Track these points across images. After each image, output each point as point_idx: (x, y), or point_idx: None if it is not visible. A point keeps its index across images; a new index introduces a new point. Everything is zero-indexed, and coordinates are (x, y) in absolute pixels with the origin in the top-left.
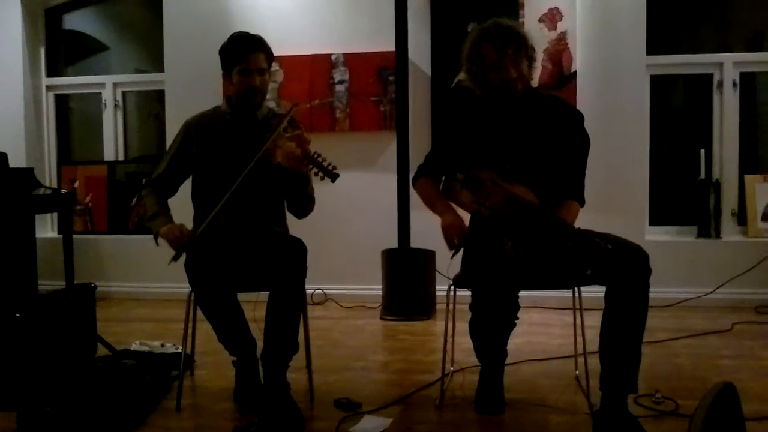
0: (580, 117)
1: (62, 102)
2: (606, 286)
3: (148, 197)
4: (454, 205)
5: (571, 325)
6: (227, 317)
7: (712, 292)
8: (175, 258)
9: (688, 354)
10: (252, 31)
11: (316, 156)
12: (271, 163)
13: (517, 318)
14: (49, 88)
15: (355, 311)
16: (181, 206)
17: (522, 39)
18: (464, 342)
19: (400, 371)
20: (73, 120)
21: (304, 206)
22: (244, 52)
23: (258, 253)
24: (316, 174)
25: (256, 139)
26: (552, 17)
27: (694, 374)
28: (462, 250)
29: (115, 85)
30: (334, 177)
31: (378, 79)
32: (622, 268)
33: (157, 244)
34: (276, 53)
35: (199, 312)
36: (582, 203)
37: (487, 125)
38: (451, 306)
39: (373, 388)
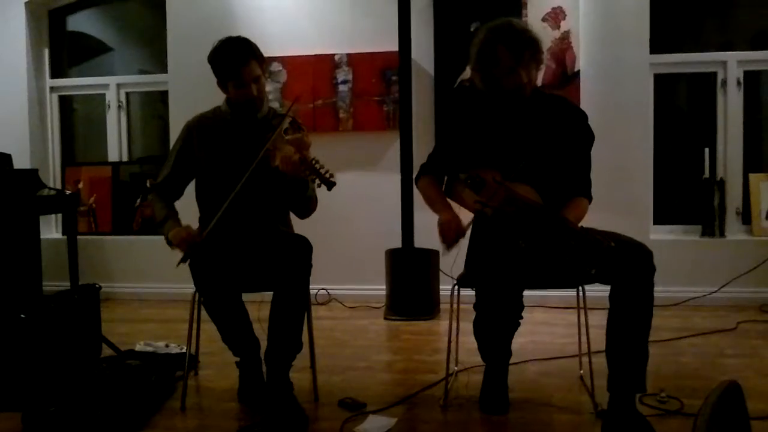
0: (584, 116)
1: (66, 103)
2: (611, 284)
3: (155, 203)
4: (456, 205)
5: (575, 325)
6: (232, 318)
7: (716, 291)
8: (184, 260)
9: (692, 353)
10: (255, 32)
11: (313, 162)
12: (271, 165)
13: (522, 317)
14: (53, 89)
15: (359, 311)
16: (187, 207)
17: (538, 46)
18: (468, 342)
19: (405, 371)
20: (77, 121)
21: (304, 207)
22: (235, 67)
23: (263, 252)
24: (312, 181)
25: (257, 139)
26: (555, 16)
27: (699, 373)
28: (461, 249)
29: (119, 86)
30: (330, 185)
31: (381, 79)
32: (626, 266)
33: (171, 249)
34: (279, 54)
35: (203, 312)
36: (590, 199)
37: (492, 125)
38: (455, 306)
39: (377, 388)
